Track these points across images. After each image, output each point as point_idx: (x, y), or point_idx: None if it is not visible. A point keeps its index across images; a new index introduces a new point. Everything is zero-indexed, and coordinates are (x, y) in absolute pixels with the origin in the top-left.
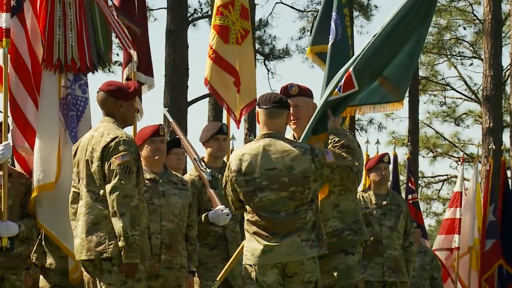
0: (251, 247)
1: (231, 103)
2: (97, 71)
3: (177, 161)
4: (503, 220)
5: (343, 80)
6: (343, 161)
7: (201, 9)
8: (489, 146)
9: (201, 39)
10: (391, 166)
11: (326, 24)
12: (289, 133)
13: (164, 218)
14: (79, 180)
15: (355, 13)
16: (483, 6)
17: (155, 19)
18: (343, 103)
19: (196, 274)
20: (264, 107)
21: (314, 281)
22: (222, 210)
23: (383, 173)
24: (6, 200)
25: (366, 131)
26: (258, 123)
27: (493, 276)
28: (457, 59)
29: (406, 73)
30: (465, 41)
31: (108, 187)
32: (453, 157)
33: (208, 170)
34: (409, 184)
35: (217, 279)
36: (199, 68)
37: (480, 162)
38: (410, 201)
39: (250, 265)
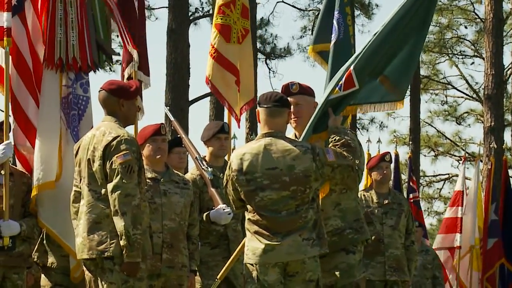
0: (252, 246)
1: (233, 102)
2: (98, 70)
3: (178, 160)
4: (505, 219)
5: (343, 79)
6: (344, 160)
7: (202, 8)
8: (491, 145)
9: (203, 38)
10: (392, 165)
11: (328, 23)
12: (291, 132)
13: (165, 217)
14: (80, 179)
15: (356, 12)
16: (485, 5)
17: (157, 18)
18: (343, 101)
19: (197, 273)
20: (265, 106)
21: (315, 280)
22: (223, 209)
23: (385, 172)
24: (8, 199)
25: (367, 130)
26: (259, 122)
27: (494, 275)
28: (458, 58)
29: (406, 72)
30: (466, 40)
31: (110, 186)
32: (455, 156)
33: (209, 169)
34: (411, 183)
35: (218, 277)
36: (200, 67)
37: (481, 161)
38: (411, 200)
39: (251, 264)
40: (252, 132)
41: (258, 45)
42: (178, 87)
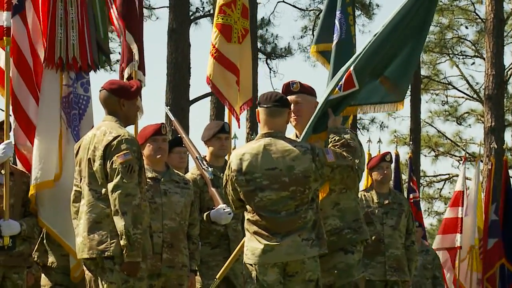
0: (252, 246)
1: (233, 102)
2: (98, 69)
3: (179, 160)
4: (505, 219)
5: (343, 79)
6: (343, 161)
7: (203, 8)
8: (491, 145)
9: (203, 38)
10: (393, 165)
11: (330, 22)
12: (292, 132)
13: (166, 217)
14: (81, 179)
15: (357, 12)
16: (485, 5)
17: (157, 18)
18: (343, 102)
19: (198, 273)
20: (265, 106)
21: (315, 280)
22: (224, 209)
23: (385, 172)
24: (8, 199)
25: (368, 130)
26: (259, 122)
27: (494, 276)
28: (459, 58)
29: (407, 73)
30: (467, 40)
31: (110, 185)
32: (455, 156)
33: (210, 168)
34: (411, 184)
35: (217, 277)
36: (201, 66)
37: (482, 161)
38: (412, 200)
39: (251, 265)
40: (252, 132)
41: (259, 45)
42: (179, 86)
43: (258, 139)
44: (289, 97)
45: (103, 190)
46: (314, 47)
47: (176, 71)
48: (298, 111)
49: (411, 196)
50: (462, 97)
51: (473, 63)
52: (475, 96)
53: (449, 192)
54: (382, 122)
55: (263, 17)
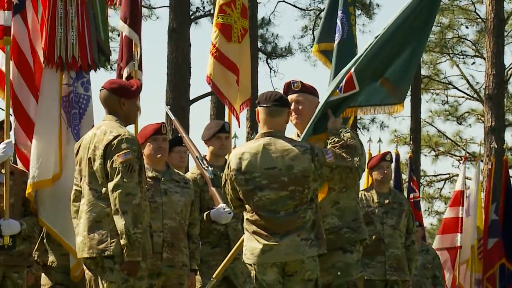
0: (251, 246)
1: (233, 101)
2: (99, 68)
3: (179, 159)
4: (505, 219)
5: (344, 81)
6: (343, 162)
7: (203, 7)
8: (491, 145)
9: (204, 38)
10: (393, 165)
11: (332, 22)
12: (294, 132)
13: (166, 216)
14: (81, 178)
15: (357, 12)
16: (486, 5)
17: (157, 17)
18: (343, 103)
19: (198, 272)
20: (265, 105)
21: (314, 279)
22: (224, 209)
23: (385, 171)
24: (8, 198)
25: (368, 130)
26: (258, 121)
27: (494, 275)
28: (459, 58)
29: (407, 75)
30: (467, 40)
31: (111, 185)
32: (455, 155)
33: (210, 168)
34: (411, 183)
35: (213, 276)
36: (201, 66)
37: (482, 161)
38: (412, 200)
39: (250, 264)
40: (252, 131)
41: (259, 44)
42: (179, 86)
43: (257, 138)
44: (290, 96)
45: (103, 190)
46: (315, 46)
47: (176, 70)
48: (298, 110)
49: (411, 196)
50: (463, 97)
51: (474, 62)
52: (475, 95)
53: (449, 192)
54: (383, 122)
55: (264, 17)
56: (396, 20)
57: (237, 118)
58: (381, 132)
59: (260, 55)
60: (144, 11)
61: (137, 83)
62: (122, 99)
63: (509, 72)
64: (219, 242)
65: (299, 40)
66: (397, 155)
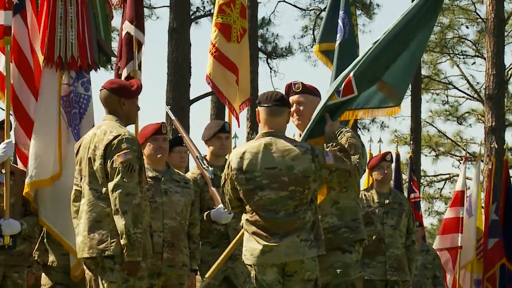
0: (250, 247)
1: (233, 101)
2: (99, 68)
3: (179, 159)
4: (505, 219)
5: (343, 85)
6: (342, 164)
7: (204, 7)
8: (492, 145)
9: (204, 37)
10: (393, 165)
11: (333, 22)
12: (296, 132)
13: (166, 216)
14: (81, 178)
15: (357, 12)
16: (486, 5)
17: (158, 17)
18: (341, 107)
19: (198, 273)
20: (265, 105)
21: (314, 280)
22: (224, 209)
23: (386, 171)
24: (8, 198)
25: (368, 130)
26: (259, 121)
27: (495, 275)
28: (459, 58)
29: (405, 77)
30: (467, 40)
31: (111, 185)
32: (456, 156)
33: (210, 168)
34: (411, 184)
35: (206, 276)
36: (202, 66)
37: (482, 161)
38: (412, 201)
39: (250, 265)
40: (253, 131)
41: (260, 44)
42: (179, 86)
43: (258, 138)
44: (291, 98)
45: (104, 190)
46: (317, 46)
47: (176, 70)
48: (299, 111)
49: (411, 196)
50: (463, 97)
51: (474, 63)
52: (475, 95)
53: (450, 192)
54: (383, 122)
55: (264, 17)
56: (397, 25)
57: (237, 118)
58: (382, 132)
59: (261, 55)
60: (145, 11)
61: (137, 83)
62: (122, 99)
63: (510, 72)
64: (219, 242)
65: (299, 40)
66: (398, 155)
